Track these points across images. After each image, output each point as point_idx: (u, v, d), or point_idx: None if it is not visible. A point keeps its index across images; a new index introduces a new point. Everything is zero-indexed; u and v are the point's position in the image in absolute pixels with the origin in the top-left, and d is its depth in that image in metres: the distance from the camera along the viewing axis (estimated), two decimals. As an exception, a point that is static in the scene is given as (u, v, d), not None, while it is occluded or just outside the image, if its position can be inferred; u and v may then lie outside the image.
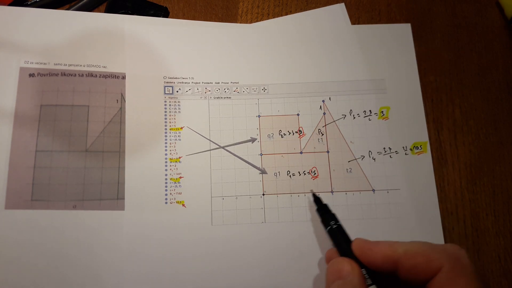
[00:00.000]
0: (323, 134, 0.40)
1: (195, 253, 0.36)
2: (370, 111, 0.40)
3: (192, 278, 0.35)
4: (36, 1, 0.42)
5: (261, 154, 0.39)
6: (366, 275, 0.30)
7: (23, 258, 0.34)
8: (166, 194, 0.37)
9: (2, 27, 0.39)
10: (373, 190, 0.38)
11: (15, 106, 0.37)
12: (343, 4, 0.44)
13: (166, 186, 0.37)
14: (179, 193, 0.37)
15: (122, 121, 0.38)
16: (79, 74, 0.39)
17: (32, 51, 0.39)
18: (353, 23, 0.43)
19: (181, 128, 0.39)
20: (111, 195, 0.37)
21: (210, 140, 0.39)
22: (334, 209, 0.35)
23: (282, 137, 0.39)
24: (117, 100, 0.39)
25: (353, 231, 0.32)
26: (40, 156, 0.37)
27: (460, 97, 0.42)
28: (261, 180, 0.38)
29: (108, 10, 0.42)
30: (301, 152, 0.39)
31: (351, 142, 0.40)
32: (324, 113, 0.40)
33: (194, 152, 0.39)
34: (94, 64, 0.39)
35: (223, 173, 0.38)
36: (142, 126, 0.38)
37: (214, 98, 0.40)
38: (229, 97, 0.40)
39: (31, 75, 0.38)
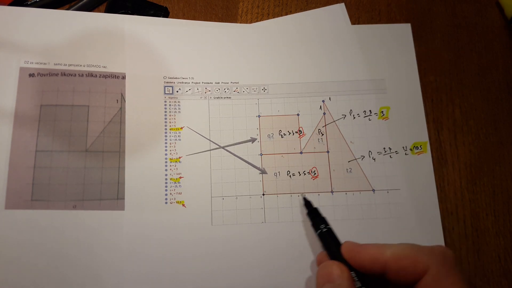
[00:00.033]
0: (323, 134, 0.40)
1: (195, 253, 0.36)
2: (370, 111, 0.40)
3: (192, 278, 0.35)
4: (36, 1, 0.42)
5: (261, 154, 0.39)
6: (355, 278, 0.30)
7: (23, 258, 0.34)
8: (166, 194, 0.37)
9: (2, 27, 0.39)
10: (373, 190, 0.38)
11: (15, 106, 0.37)
12: (343, 4, 0.44)
13: (166, 186, 0.37)
14: (179, 193, 0.37)
15: (122, 121, 0.38)
16: (79, 74, 0.39)
17: (32, 51, 0.39)
18: (353, 23, 0.43)
19: (181, 128, 0.39)
20: (111, 195, 0.37)
21: (210, 140, 0.39)
22: (334, 209, 0.35)
23: (282, 137, 0.39)
24: (117, 100, 0.39)
25: (353, 231, 0.32)
26: (40, 156, 0.37)
27: (460, 97, 0.42)
28: (261, 180, 0.38)
29: (108, 10, 0.42)
30: (301, 152, 0.39)
31: (351, 142, 0.39)
32: (324, 113, 0.40)
33: (194, 152, 0.38)
34: (94, 64, 0.39)
35: (223, 173, 0.38)
36: (142, 126, 0.38)
37: (214, 98, 0.40)
38: (229, 97, 0.40)
39: (31, 75, 0.38)
